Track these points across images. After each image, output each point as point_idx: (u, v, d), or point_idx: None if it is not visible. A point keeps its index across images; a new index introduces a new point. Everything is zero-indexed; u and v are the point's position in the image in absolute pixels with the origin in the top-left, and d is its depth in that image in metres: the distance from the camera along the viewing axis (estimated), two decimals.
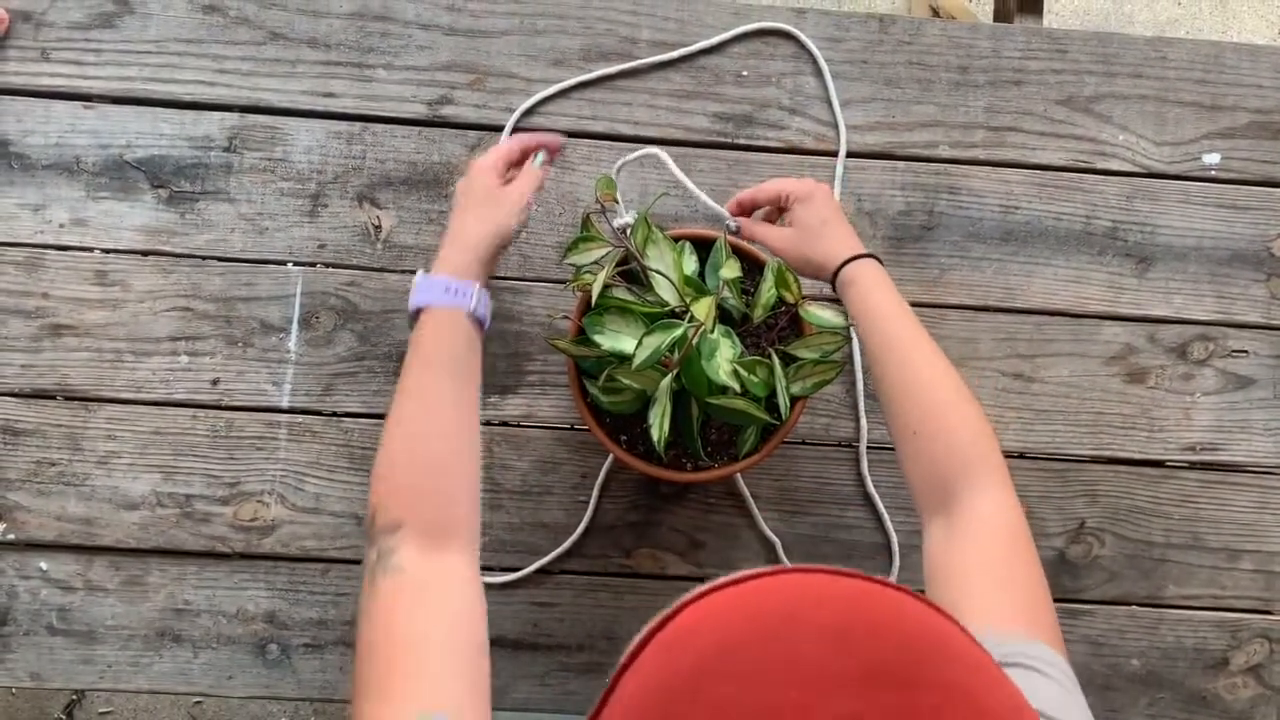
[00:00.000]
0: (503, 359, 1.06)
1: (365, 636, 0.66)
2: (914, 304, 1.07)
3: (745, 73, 1.08)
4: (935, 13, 1.59)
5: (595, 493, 1.05)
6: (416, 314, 0.79)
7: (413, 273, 1.04)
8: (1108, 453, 1.08)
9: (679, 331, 0.84)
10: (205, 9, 1.05)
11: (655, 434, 0.86)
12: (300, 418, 1.04)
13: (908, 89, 1.09)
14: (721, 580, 0.42)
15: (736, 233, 0.94)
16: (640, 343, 0.85)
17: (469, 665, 0.64)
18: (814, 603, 0.39)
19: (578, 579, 1.05)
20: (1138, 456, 1.08)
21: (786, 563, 1.07)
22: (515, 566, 1.04)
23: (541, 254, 1.06)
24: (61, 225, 1.04)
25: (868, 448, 1.06)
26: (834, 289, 0.88)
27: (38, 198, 1.03)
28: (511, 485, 1.05)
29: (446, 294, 0.78)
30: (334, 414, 1.04)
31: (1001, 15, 1.44)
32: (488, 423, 1.05)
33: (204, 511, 1.03)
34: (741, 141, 1.08)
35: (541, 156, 0.88)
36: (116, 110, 1.04)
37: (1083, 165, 1.10)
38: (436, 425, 0.75)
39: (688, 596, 0.42)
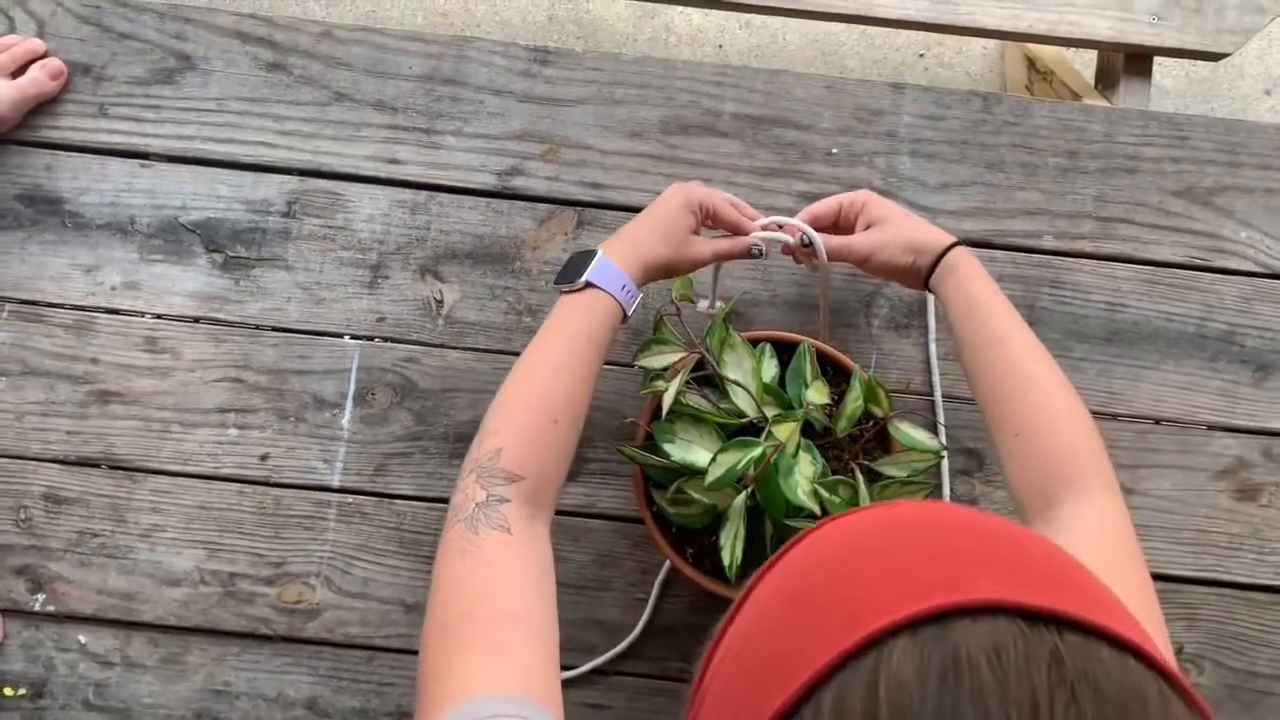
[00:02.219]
0: None
1: (461, 583, 0.66)
2: None
3: (835, 150, 1.01)
4: (1032, 65, 1.50)
5: (655, 591, 0.99)
6: (572, 284, 0.79)
7: (475, 350, 0.99)
8: (1211, 574, 1.00)
9: (757, 452, 0.78)
10: (269, 67, 1.01)
11: (726, 557, 0.80)
12: (351, 498, 0.99)
13: (1011, 173, 1.01)
14: (832, 515, 0.40)
15: (807, 247, 0.89)
16: (714, 460, 0.79)
17: (554, 651, 0.64)
18: (947, 511, 0.37)
19: (634, 682, 0.99)
20: (1244, 580, 1.00)
21: None
22: (568, 665, 0.99)
23: None
24: (113, 288, 1.00)
25: None
26: (927, 286, 0.85)
27: (90, 258, 1.00)
28: (567, 578, 0.99)
29: (623, 291, 0.80)
30: (386, 495, 0.99)
31: (1105, 73, 1.35)
32: None
33: (248, 591, 0.99)
34: None
35: (761, 246, 0.89)
36: (173, 170, 1.00)
37: (1199, 263, 1.01)
38: (569, 389, 0.75)
39: (797, 535, 0.39)
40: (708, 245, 0.86)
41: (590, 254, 0.80)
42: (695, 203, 0.84)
